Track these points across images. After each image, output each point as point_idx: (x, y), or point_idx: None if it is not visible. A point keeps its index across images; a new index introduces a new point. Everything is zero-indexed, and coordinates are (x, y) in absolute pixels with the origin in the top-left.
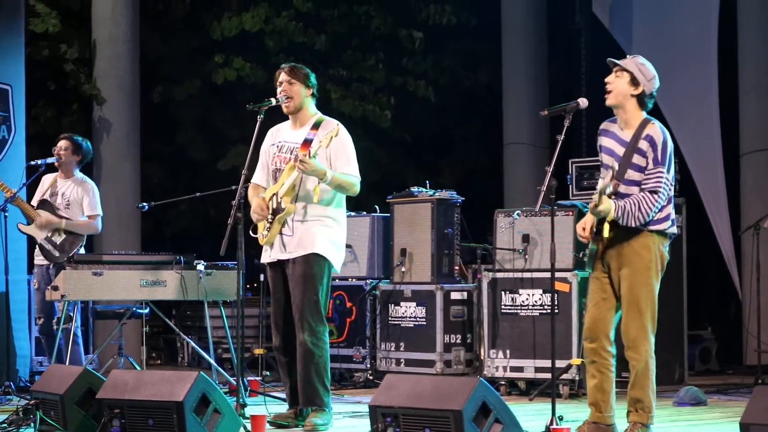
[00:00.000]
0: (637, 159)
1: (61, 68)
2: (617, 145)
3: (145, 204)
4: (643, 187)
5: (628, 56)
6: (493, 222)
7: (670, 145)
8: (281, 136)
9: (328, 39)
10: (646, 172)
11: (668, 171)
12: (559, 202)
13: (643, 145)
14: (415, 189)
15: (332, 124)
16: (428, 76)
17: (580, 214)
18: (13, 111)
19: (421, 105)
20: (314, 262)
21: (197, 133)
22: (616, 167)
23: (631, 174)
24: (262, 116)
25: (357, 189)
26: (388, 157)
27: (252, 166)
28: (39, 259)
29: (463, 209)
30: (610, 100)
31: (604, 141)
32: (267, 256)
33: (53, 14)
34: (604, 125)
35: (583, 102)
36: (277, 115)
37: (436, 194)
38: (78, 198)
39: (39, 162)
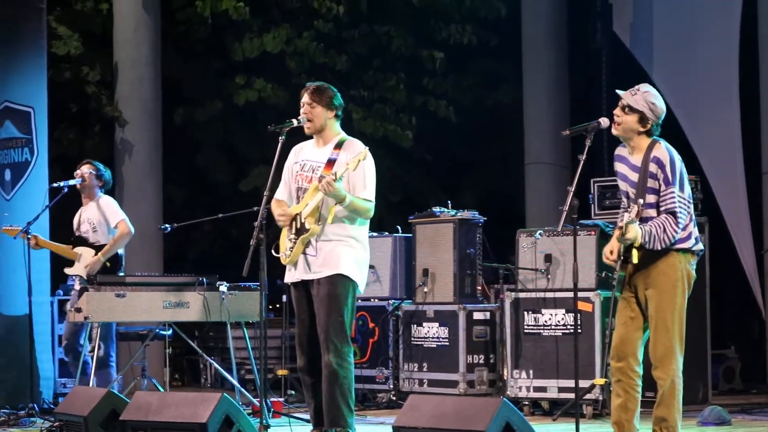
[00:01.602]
0: (651, 183)
1: (83, 90)
2: (629, 170)
3: (167, 225)
4: (661, 209)
5: (638, 88)
6: (515, 242)
7: (679, 163)
8: (304, 155)
9: (349, 60)
10: (661, 194)
11: (681, 189)
12: (582, 221)
13: (652, 167)
14: (437, 209)
15: (356, 145)
16: (449, 95)
17: (602, 234)
18: (36, 133)
19: (443, 125)
20: (339, 282)
21: (219, 155)
22: (641, 202)
23: (649, 198)
24: (283, 137)
25: (371, 214)
26: (409, 177)
27: (274, 187)
28: (76, 284)
29: (485, 229)
30: (616, 132)
31: (618, 167)
32: (291, 276)
33: (75, 36)
34: (618, 150)
35: (604, 121)
36: (299, 135)
37: (458, 214)
38: (100, 217)
39: (62, 184)
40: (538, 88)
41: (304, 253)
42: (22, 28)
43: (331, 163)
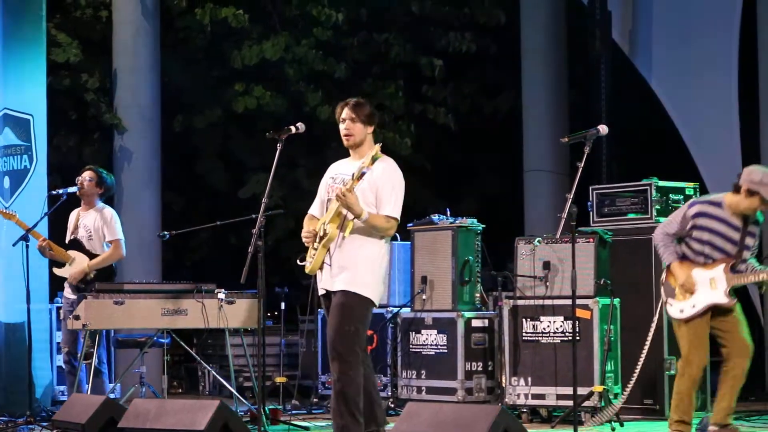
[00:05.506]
0: (748, 241)
1: (82, 97)
2: (730, 229)
3: (165, 233)
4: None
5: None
6: (513, 249)
7: None
8: (339, 169)
9: (347, 67)
10: (753, 246)
11: None
12: (580, 228)
13: (754, 229)
14: (435, 217)
15: (386, 164)
16: (448, 103)
17: (600, 241)
18: (35, 140)
19: (441, 132)
20: (350, 295)
21: (217, 162)
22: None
23: (744, 254)
24: (281, 144)
25: (392, 232)
26: (408, 185)
27: (272, 194)
28: (68, 292)
29: (484, 236)
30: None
31: (709, 223)
32: (320, 288)
33: (74, 44)
34: (708, 209)
35: (603, 129)
36: (297, 143)
37: (457, 222)
38: (98, 227)
39: (60, 191)
40: (537, 96)
41: (324, 261)
42: (22, 36)
43: (361, 176)
